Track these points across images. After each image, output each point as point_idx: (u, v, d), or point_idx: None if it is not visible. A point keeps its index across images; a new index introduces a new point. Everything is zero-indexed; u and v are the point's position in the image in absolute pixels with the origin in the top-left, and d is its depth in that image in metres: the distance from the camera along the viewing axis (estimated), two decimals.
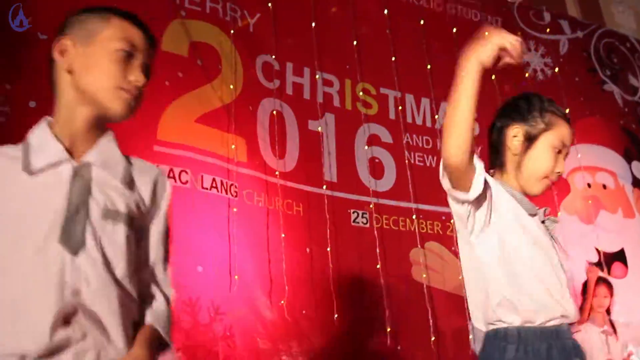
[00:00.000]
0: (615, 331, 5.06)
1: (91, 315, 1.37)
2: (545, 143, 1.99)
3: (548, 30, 6.52)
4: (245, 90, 4.64)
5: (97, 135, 1.60)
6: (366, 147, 5.10)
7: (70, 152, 1.52)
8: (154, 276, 1.61)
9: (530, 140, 2.00)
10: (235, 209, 4.21)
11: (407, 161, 5.25)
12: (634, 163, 6.57)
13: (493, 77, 5.86)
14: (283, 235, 4.40)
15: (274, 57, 4.87)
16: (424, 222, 5.15)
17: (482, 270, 1.87)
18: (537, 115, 2.02)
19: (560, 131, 2.01)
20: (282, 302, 4.23)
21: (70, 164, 1.49)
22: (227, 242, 4.07)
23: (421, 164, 5.36)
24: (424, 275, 4.93)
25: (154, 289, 1.60)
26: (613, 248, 6.04)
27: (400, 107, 5.39)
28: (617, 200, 6.28)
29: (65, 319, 1.35)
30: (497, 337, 1.84)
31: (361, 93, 5.27)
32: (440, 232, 5.20)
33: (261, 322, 4.10)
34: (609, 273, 5.87)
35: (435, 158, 5.42)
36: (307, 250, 4.56)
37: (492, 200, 1.88)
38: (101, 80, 1.52)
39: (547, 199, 5.75)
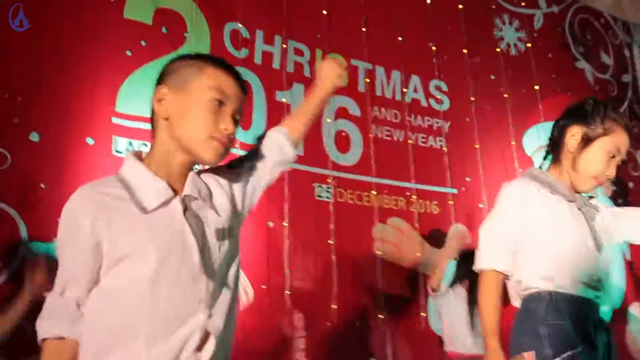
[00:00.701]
0: None
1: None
2: (601, 146, 2.12)
3: (523, 4, 6.47)
4: None
5: (188, 172, 1.68)
6: (329, 120, 5.05)
7: (171, 187, 1.61)
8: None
9: (587, 141, 2.13)
10: None
11: (373, 135, 5.23)
12: None
13: (465, 50, 5.84)
14: None
15: (242, 25, 4.78)
16: (388, 198, 5.16)
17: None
18: (598, 120, 2.14)
19: (617, 138, 2.14)
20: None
21: (178, 200, 1.58)
22: None
23: (388, 138, 5.35)
24: (382, 252, 4.95)
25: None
26: None
27: (368, 80, 5.34)
28: None
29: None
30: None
31: None
32: (404, 208, 5.22)
33: None
34: None
35: (403, 133, 5.41)
36: (270, 224, 4.55)
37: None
38: (194, 130, 1.58)
39: (509, 174, 5.80)
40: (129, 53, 4.11)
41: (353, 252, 4.82)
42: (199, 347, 1.48)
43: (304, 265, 4.58)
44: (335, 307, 4.57)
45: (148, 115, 3.67)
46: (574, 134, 2.17)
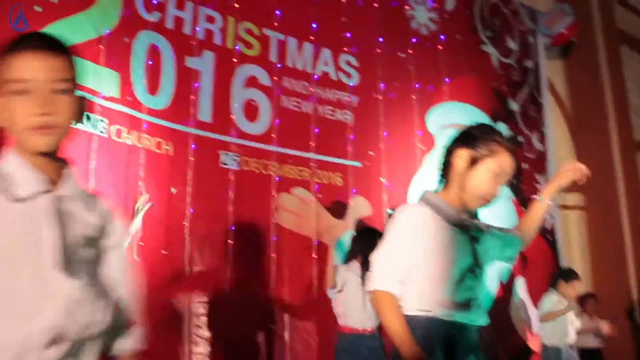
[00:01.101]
0: None
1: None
2: (485, 167, 2.24)
3: None
4: (122, 21, 4.50)
5: (61, 168, 1.58)
6: (242, 89, 5.10)
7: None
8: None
9: (473, 162, 2.25)
10: (95, 145, 4.15)
11: (281, 105, 5.31)
12: (499, 124, 6.92)
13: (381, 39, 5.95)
14: (141, 174, 4.41)
15: None
16: (293, 168, 5.28)
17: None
18: (482, 143, 2.25)
19: (501, 159, 2.26)
20: (139, 242, 4.29)
21: (50, 196, 1.50)
22: (87, 179, 4.04)
23: (297, 109, 5.44)
24: (284, 221, 5.09)
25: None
26: None
27: (279, 51, 5.39)
28: None
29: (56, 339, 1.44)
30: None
31: (243, 32, 5.22)
32: (308, 179, 5.35)
33: None
34: None
35: (311, 105, 5.51)
36: (173, 190, 4.59)
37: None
38: (13, 128, 1.51)
39: (409, 158, 6.04)
40: (38, 9, 4.00)
41: (253, 220, 4.93)
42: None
43: (204, 233, 4.66)
44: (234, 274, 4.69)
45: None
46: (460, 156, 2.27)
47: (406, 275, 2.19)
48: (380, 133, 5.91)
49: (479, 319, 2.23)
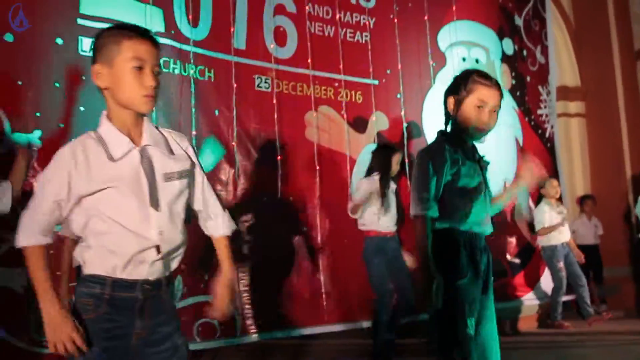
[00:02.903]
0: None
1: (168, 241, 2.04)
2: (468, 104, 2.70)
3: None
4: None
5: (140, 120, 2.09)
6: (271, 17, 5.55)
7: (131, 139, 2.05)
8: (210, 204, 2.24)
9: (459, 104, 2.72)
10: None
11: (307, 30, 5.77)
12: (505, 40, 7.36)
13: None
14: (192, 101, 4.95)
15: None
16: (319, 88, 5.79)
17: None
18: (462, 87, 2.72)
19: (479, 93, 2.69)
20: None
21: (137, 150, 2.03)
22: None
23: (320, 33, 5.90)
24: (315, 136, 5.66)
25: (215, 209, 2.26)
26: None
27: None
28: None
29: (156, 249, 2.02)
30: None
31: None
32: (332, 97, 5.87)
33: None
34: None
35: (333, 28, 5.96)
36: (216, 112, 5.14)
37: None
38: (128, 94, 2.01)
39: (424, 69, 6.52)
40: None
41: (291, 137, 5.51)
42: (154, 257, 2.02)
43: (248, 150, 5.25)
44: (280, 184, 5.33)
45: (111, 17, 4.08)
46: (449, 104, 2.74)
47: (436, 197, 2.65)
48: (396, 52, 6.38)
49: (488, 229, 2.74)
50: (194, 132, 4.92)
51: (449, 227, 2.65)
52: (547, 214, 7.06)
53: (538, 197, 7.38)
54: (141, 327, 2.02)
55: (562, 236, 7.10)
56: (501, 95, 2.74)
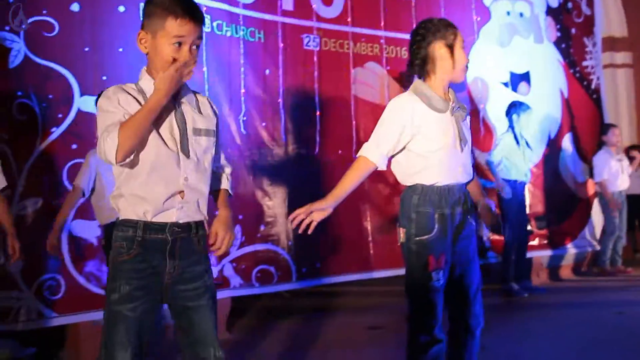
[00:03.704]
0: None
1: (193, 188, 2.26)
2: (457, 47, 2.72)
3: None
4: None
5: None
6: None
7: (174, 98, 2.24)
8: (220, 159, 2.46)
9: (450, 48, 2.74)
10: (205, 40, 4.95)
11: None
12: None
13: None
14: (241, 61, 5.23)
15: None
16: (365, 45, 6.00)
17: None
18: (447, 33, 2.74)
19: (460, 36, 2.76)
20: (242, 118, 5.18)
21: (171, 103, 2.22)
22: (201, 72, 4.87)
23: None
24: (361, 92, 5.89)
25: (222, 166, 2.47)
26: (521, 69, 7.07)
27: None
28: (530, 28, 7.20)
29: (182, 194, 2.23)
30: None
31: None
32: (378, 54, 6.07)
33: (229, 135, 5.07)
34: (515, 90, 6.96)
35: None
36: (266, 72, 5.41)
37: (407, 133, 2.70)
38: (166, 65, 2.18)
39: (467, 24, 6.63)
40: None
41: (335, 93, 5.76)
42: (180, 201, 2.21)
43: (296, 107, 5.52)
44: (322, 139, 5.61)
45: None
46: (439, 48, 2.70)
47: (396, 150, 2.71)
48: (440, 8, 6.51)
49: (463, 179, 2.78)
50: (242, 91, 5.20)
51: (415, 183, 2.72)
52: (606, 162, 7.21)
53: (598, 144, 7.52)
54: (172, 267, 2.22)
55: (620, 184, 7.28)
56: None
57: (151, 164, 2.17)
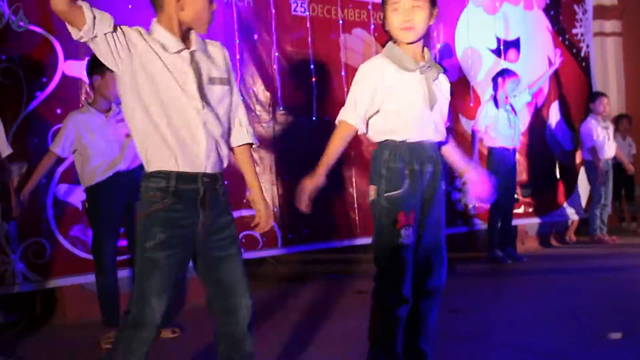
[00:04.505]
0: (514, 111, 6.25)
1: (214, 138, 2.29)
2: (387, 11, 2.71)
3: None
4: None
5: (189, 34, 2.31)
6: None
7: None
8: (239, 112, 2.47)
9: (384, 13, 2.74)
10: None
11: None
12: None
13: None
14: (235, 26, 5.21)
15: None
16: (352, 11, 5.97)
17: None
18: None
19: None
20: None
21: (187, 52, 2.27)
22: None
23: None
24: (350, 58, 5.88)
25: (243, 119, 2.47)
26: (511, 36, 7.05)
27: None
28: None
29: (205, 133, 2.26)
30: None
31: None
32: (365, 20, 6.05)
33: None
34: (504, 58, 6.95)
35: None
36: (255, 36, 5.39)
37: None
38: (198, 15, 2.26)
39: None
40: None
41: (327, 59, 5.77)
42: (206, 148, 2.25)
43: (288, 73, 5.52)
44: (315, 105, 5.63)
45: None
46: (386, 12, 2.70)
47: (370, 112, 2.74)
48: None
49: (435, 137, 2.78)
50: (237, 57, 5.18)
51: (386, 139, 2.75)
52: (593, 129, 7.24)
53: (585, 112, 7.55)
54: (204, 217, 2.27)
55: (607, 152, 7.33)
56: None
57: (169, 115, 2.22)
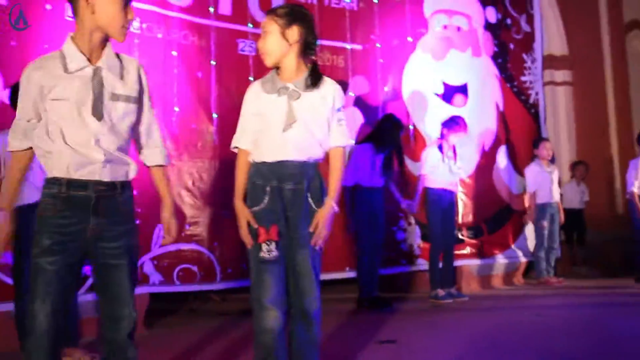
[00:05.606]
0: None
1: (110, 150, 2.36)
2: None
3: None
4: None
5: (104, 45, 2.40)
6: None
7: (89, 59, 2.35)
8: (153, 134, 2.57)
9: None
10: (136, 41, 5.05)
11: None
12: (488, 8, 7.59)
13: None
14: (175, 63, 5.34)
15: None
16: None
17: None
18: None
19: None
20: (173, 118, 5.28)
21: (90, 68, 2.34)
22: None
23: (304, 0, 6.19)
24: None
25: (157, 140, 2.58)
26: (458, 82, 7.25)
27: None
28: (468, 41, 7.39)
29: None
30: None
31: None
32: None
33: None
34: (450, 103, 7.13)
35: None
36: (199, 74, 5.51)
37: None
38: (112, 21, 2.33)
39: (403, 42, 6.81)
40: None
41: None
42: (102, 159, 2.32)
43: (228, 110, 5.61)
44: None
45: None
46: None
47: (256, 135, 2.85)
48: (379, 18, 6.68)
49: (292, 157, 2.81)
50: (175, 91, 5.32)
51: (253, 159, 2.87)
52: (537, 174, 7.43)
53: (532, 158, 7.71)
54: (95, 224, 2.32)
55: (552, 196, 7.49)
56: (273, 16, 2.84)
57: (61, 126, 2.30)
